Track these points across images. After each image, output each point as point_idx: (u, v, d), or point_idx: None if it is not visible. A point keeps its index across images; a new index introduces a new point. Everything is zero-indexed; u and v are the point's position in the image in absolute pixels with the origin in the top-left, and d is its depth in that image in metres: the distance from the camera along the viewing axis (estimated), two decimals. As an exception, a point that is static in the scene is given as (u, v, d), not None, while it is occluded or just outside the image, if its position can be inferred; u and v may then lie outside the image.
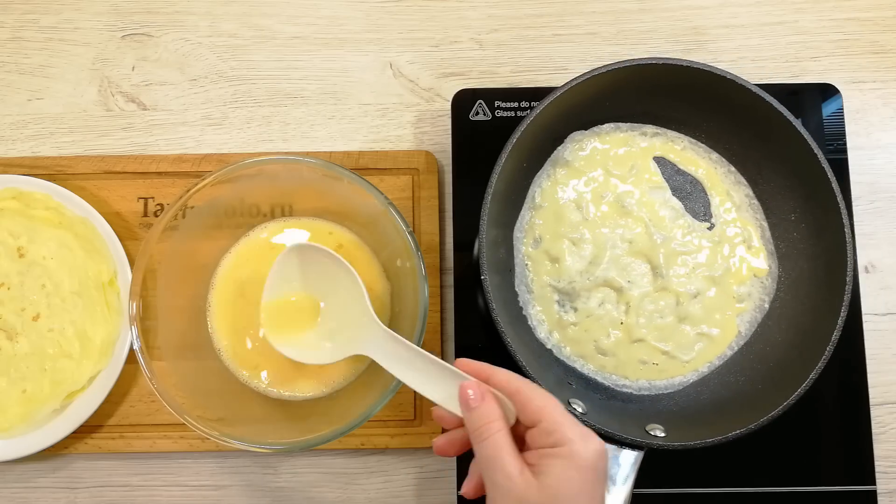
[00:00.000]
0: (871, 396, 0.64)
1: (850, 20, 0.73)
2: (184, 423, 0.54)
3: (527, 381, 0.47)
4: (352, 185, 0.58)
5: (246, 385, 0.61)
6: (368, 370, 0.62)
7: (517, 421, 0.46)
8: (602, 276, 0.63)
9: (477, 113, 0.68)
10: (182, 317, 0.61)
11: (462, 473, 0.63)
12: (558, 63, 0.72)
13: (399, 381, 0.55)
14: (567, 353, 0.63)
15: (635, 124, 0.66)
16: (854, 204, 0.68)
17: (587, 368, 0.63)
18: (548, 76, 0.72)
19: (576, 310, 0.63)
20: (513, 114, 0.68)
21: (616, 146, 0.65)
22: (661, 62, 0.60)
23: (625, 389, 0.62)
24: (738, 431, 0.55)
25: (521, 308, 0.63)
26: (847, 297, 0.57)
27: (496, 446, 0.44)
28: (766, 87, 0.70)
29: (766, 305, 0.64)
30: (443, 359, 0.66)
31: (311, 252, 0.57)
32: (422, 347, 0.56)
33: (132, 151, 0.71)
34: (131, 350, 0.62)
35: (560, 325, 0.63)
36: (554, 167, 0.65)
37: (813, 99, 0.69)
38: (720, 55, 0.72)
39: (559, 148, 0.65)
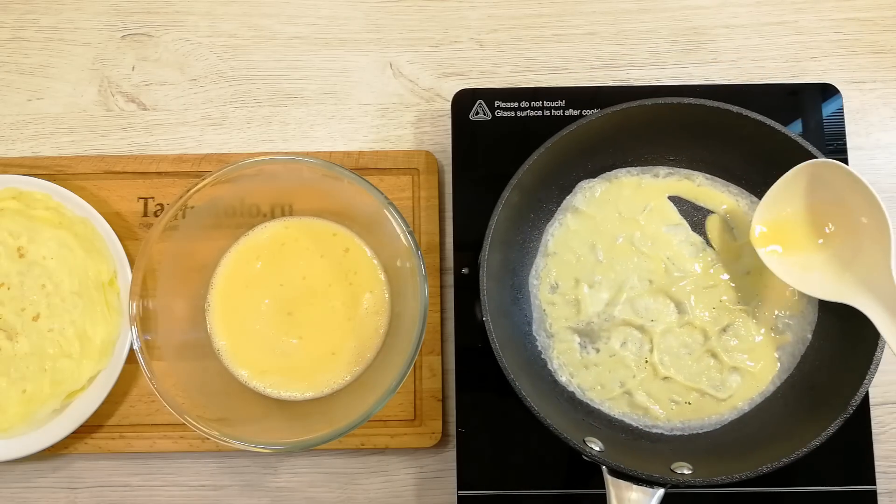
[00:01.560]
0: (871, 396, 0.64)
1: (850, 20, 0.73)
2: (184, 423, 0.54)
3: None
4: (352, 185, 0.58)
5: (246, 385, 0.61)
6: (368, 370, 0.62)
7: None
8: (621, 317, 0.62)
9: (477, 113, 0.68)
10: (182, 317, 0.61)
11: (462, 473, 0.63)
12: (558, 63, 0.72)
13: (399, 382, 0.55)
14: (591, 396, 0.62)
15: (646, 167, 0.65)
16: (854, 204, 0.68)
17: (614, 411, 0.61)
18: (548, 76, 0.72)
19: (598, 350, 0.62)
20: (513, 114, 0.68)
21: (627, 189, 0.64)
22: (664, 103, 0.59)
23: (654, 430, 0.61)
24: (769, 465, 0.53)
25: (540, 352, 0.63)
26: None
27: None
28: (766, 87, 0.70)
29: (809, 336, 0.61)
30: (442, 360, 0.66)
31: (831, 172, 0.53)
32: (421, 347, 0.56)
33: (132, 151, 0.71)
34: (131, 350, 0.62)
35: (583, 367, 0.62)
36: (564, 215, 0.64)
37: (813, 99, 0.68)
38: (720, 55, 0.72)
39: (568, 197, 0.65)
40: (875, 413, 0.65)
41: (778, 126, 0.59)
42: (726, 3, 0.73)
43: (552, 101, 0.68)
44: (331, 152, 0.69)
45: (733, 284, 0.62)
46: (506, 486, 0.63)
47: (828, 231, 0.57)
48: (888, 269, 0.49)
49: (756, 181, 0.63)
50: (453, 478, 0.64)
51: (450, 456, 0.66)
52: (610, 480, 0.55)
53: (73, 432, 0.63)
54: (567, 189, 0.65)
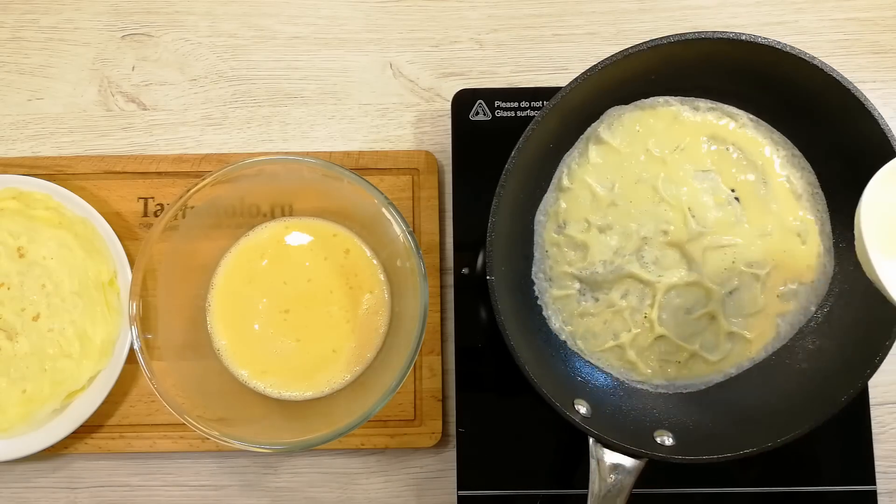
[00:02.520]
0: (871, 396, 0.64)
1: (850, 20, 0.73)
2: (184, 423, 0.54)
3: None
4: (352, 185, 0.58)
5: (246, 385, 0.61)
6: (368, 370, 0.62)
7: None
8: (627, 268, 0.58)
9: (477, 113, 0.68)
10: (182, 317, 0.61)
11: (462, 473, 0.63)
12: (558, 63, 0.72)
13: (399, 382, 0.55)
14: (581, 346, 0.59)
15: (686, 97, 0.59)
16: (854, 204, 0.68)
17: (602, 362, 0.60)
18: (548, 76, 0.72)
19: (597, 300, 0.59)
20: (513, 114, 0.68)
21: (661, 121, 0.58)
22: (718, 37, 0.53)
23: (640, 386, 0.59)
24: (751, 449, 0.52)
25: (536, 297, 0.60)
26: None
27: None
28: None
29: (813, 308, 0.59)
30: (442, 360, 0.66)
31: None
32: (421, 347, 0.56)
33: (132, 151, 0.71)
34: (131, 350, 0.62)
35: (578, 316, 0.59)
36: (587, 145, 0.59)
37: (813, 98, 0.68)
38: (720, 55, 0.72)
39: (594, 124, 0.59)
40: (875, 413, 0.65)
41: (835, 73, 0.54)
42: (726, 3, 0.73)
43: (552, 100, 0.68)
44: (331, 152, 0.69)
45: (751, 245, 0.58)
46: (506, 486, 0.63)
47: None
48: None
49: (802, 135, 0.59)
50: (453, 478, 0.64)
51: (450, 456, 0.66)
52: (593, 446, 0.54)
53: (73, 432, 0.63)
54: (594, 115, 0.59)
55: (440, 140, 0.71)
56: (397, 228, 0.58)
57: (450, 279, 0.68)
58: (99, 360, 0.63)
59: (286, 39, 0.73)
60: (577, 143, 0.60)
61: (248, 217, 0.64)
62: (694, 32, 0.54)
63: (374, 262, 0.63)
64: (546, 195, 0.60)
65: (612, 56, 0.53)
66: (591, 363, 0.60)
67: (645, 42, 0.54)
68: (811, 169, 0.59)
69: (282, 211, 0.64)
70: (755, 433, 0.54)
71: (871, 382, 0.64)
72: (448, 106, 0.69)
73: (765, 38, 0.54)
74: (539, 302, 0.61)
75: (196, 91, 0.72)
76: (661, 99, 0.59)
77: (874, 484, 0.63)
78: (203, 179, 0.57)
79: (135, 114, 0.71)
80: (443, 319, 0.67)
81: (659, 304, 0.58)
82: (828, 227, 0.59)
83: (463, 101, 0.68)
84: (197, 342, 0.61)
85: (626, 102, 0.59)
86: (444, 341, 0.67)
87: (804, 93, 0.56)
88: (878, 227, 0.46)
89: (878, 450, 0.64)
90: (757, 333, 0.59)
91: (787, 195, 0.59)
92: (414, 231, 0.67)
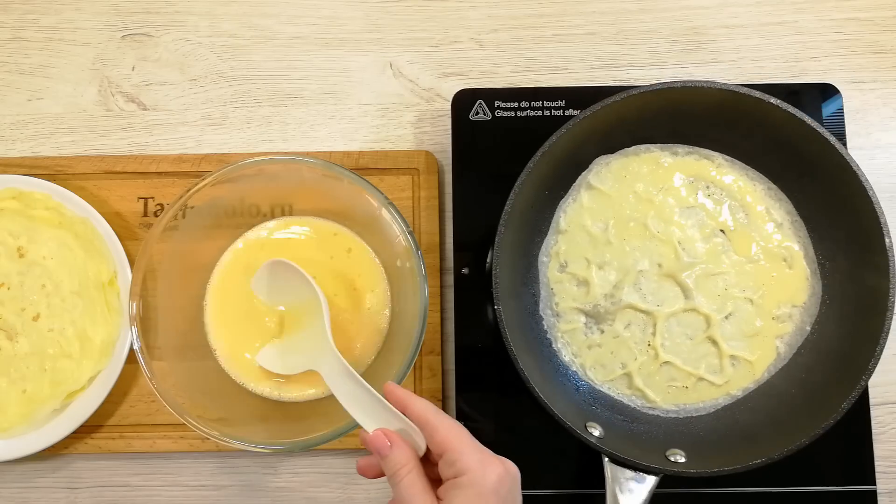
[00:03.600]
0: (871, 396, 0.64)
1: (850, 20, 0.73)
2: (184, 423, 0.54)
3: (438, 412, 0.49)
4: (352, 185, 0.58)
5: (244, 386, 0.61)
6: (368, 370, 0.62)
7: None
8: (627, 300, 0.62)
9: (477, 113, 0.68)
10: (182, 317, 0.61)
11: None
12: (558, 63, 0.72)
13: (399, 382, 0.55)
14: (592, 377, 0.62)
15: (665, 144, 0.64)
16: (854, 204, 0.68)
17: (613, 391, 0.62)
18: (548, 76, 0.72)
19: (602, 332, 0.62)
20: (513, 114, 0.68)
21: (646, 166, 0.64)
22: (683, 85, 0.58)
23: (651, 412, 0.62)
24: (760, 460, 0.54)
25: (545, 331, 0.63)
26: (888, 325, 0.56)
27: (408, 487, 0.47)
28: (766, 87, 0.70)
29: (808, 328, 0.62)
30: (442, 360, 0.66)
31: (282, 268, 0.59)
32: (421, 347, 0.56)
33: (132, 151, 0.71)
34: (131, 350, 0.62)
35: (586, 348, 0.62)
36: (579, 192, 0.64)
37: (813, 99, 0.68)
38: (720, 55, 0.72)
39: (584, 172, 0.64)
40: (875, 413, 0.65)
41: (795, 111, 0.58)
42: (726, 3, 0.73)
43: (552, 101, 0.68)
44: (331, 152, 0.69)
45: (740, 272, 0.62)
46: (506, 486, 0.63)
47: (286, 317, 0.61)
48: (327, 340, 0.55)
49: (774, 168, 0.63)
50: (453, 478, 0.63)
51: (450, 456, 0.66)
52: (608, 465, 0.56)
53: (73, 432, 0.63)
54: (584, 164, 0.64)
55: (440, 140, 0.71)
56: (397, 228, 0.58)
57: (450, 279, 0.68)
58: (99, 360, 0.63)
59: (286, 39, 0.73)
60: (570, 191, 0.64)
61: (248, 217, 0.64)
62: (660, 83, 0.59)
63: (376, 261, 0.63)
64: (547, 238, 0.64)
65: (593, 106, 0.58)
66: (603, 391, 0.62)
67: (619, 94, 0.58)
68: (787, 199, 0.64)
69: (282, 211, 0.64)
70: (763, 445, 0.56)
71: (870, 383, 0.64)
72: (448, 106, 0.69)
73: (724, 84, 0.59)
74: (549, 336, 0.63)
75: (196, 91, 0.72)
76: (643, 147, 0.64)
77: (874, 484, 0.63)
78: (203, 179, 0.57)
79: (135, 114, 0.71)
80: (443, 319, 0.67)
81: (660, 331, 0.62)
82: (811, 251, 0.63)
83: (463, 101, 0.68)
84: (197, 342, 0.61)
85: (612, 151, 0.64)
86: (444, 341, 0.67)
87: (770, 130, 0.60)
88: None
89: (878, 450, 0.64)
90: (758, 356, 0.62)
91: (768, 224, 0.63)
92: (414, 231, 0.67)
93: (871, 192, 0.57)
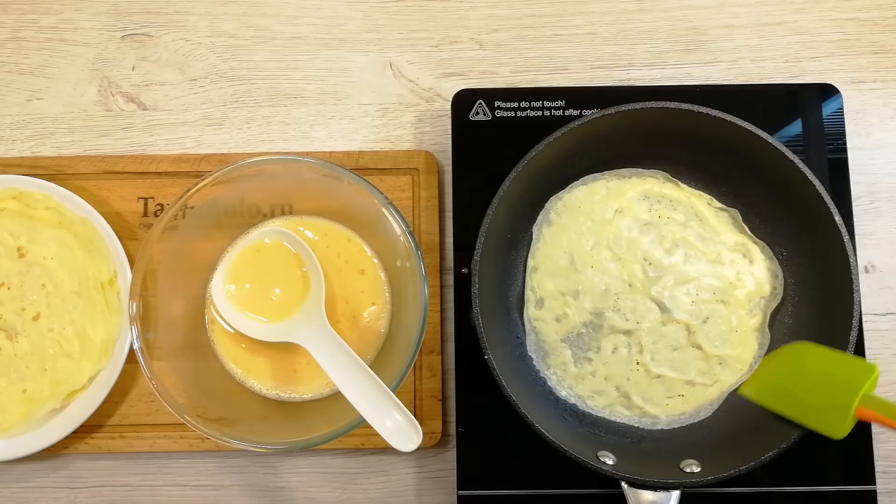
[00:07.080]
0: (871, 396, 0.64)
1: (850, 20, 0.73)
2: (184, 423, 0.54)
3: None
4: (352, 185, 0.58)
5: (244, 385, 0.61)
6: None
7: None
8: (607, 324, 0.63)
9: (477, 113, 0.68)
10: (182, 316, 0.61)
11: (462, 473, 0.63)
12: (558, 63, 0.72)
13: (399, 382, 0.55)
14: (591, 405, 0.63)
15: (611, 170, 0.66)
16: (854, 204, 0.68)
17: (615, 416, 0.63)
18: (548, 76, 0.72)
19: (590, 360, 0.63)
20: (513, 114, 0.68)
21: (597, 193, 0.65)
22: (617, 111, 0.60)
23: (656, 427, 0.62)
24: (770, 454, 0.55)
25: (537, 371, 0.63)
26: (858, 297, 0.57)
27: None
28: (766, 88, 0.70)
29: (784, 318, 0.64)
30: (442, 360, 0.66)
31: (282, 237, 0.60)
32: (421, 347, 0.56)
33: (132, 151, 0.71)
34: (131, 350, 0.62)
35: (580, 379, 0.63)
36: (540, 230, 0.65)
37: (813, 99, 0.69)
38: (720, 55, 0.72)
39: (541, 213, 0.65)
40: (875, 413, 0.65)
41: (724, 115, 0.60)
42: (726, 3, 0.73)
43: (552, 101, 0.68)
44: (331, 152, 0.69)
45: (706, 277, 0.64)
46: (506, 486, 0.63)
47: (278, 292, 0.61)
48: (321, 313, 0.57)
49: (718, 171, 0.65)
50: (453, 478, 0.64)
51: (450, 456, 0.66)
52: (628, 490, 0.56)
53: (73, 432, 0.63)
54: (539, 206, 0.66)
55: (440, 140, 0.71)
56: (397, 228, 0.58)
57: (450, 279, 0.68)
58: (99, 360, 0.63)
59: (286, 39, 0.73)
60: (532, 231, 0.66)
61: (248, 217, 0.64)
62: (596, 112, 0.60)
63: (375, 261, 0.63)
64: (520, 280, 0.65)
65: (538, 146, 0.60)
66: (605, 417, 0.63)
67: (561, 129, 0.60)
68: (736, 198, 0.65)
69: (282, 211, 0.64)
70: (772, 434, 0.56)
71: (871, 382, 0.64)
72: (448, 106, 0.69)
73: (653, 103, 0.60)
74: (542, 375, 0.64)
75: (196, 91, 0.72)
76: (590, 176, 0.66)
77: (874, 484, 0.63)
78: (203, 179, 0.57)
79: (135, 114, 0.71)
80: (443, 319, 0.67)
81: (647, 348, 0.63)
82: (768, 243, 0.64)
83: (463, 101, 0.68)
84: (197, 342, 0.61)
85: (563, 186, 0.66)
86: (444, 341, 0.67)
87: (705, 138, 0.62)
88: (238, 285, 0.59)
89: (878, 450, 0.64)
90: (740, 351, 0.63)
91: (722, 226, 0.65)
92: (414, 231, 0.67)
93: (810, 176, 0.58)
